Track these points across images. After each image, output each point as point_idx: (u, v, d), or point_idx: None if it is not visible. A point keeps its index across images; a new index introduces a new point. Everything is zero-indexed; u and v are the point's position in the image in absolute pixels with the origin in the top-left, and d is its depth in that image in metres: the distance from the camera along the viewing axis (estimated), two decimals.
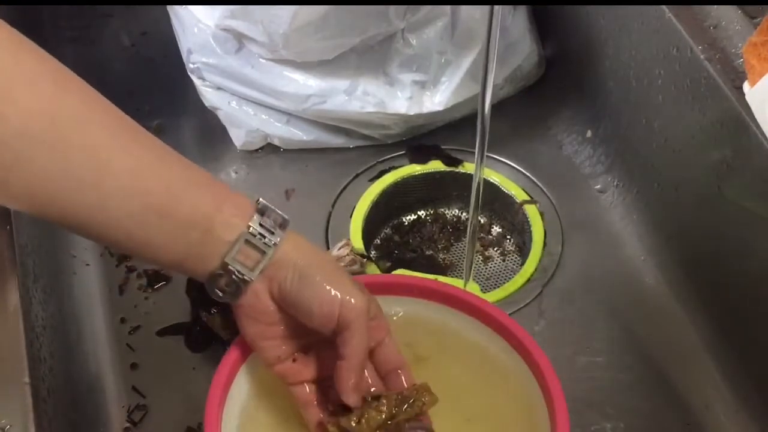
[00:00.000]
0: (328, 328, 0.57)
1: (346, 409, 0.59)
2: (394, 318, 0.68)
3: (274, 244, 0.57)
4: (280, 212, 0.58)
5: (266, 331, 0.59)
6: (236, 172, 0.94)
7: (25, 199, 0.52)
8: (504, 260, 0.91)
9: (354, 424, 0.58)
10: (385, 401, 0.60)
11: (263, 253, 0.56)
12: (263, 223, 0.57)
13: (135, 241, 0.55)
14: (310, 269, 0.57)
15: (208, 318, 0.76)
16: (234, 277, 0.56)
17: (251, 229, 0.56)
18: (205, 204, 0.56)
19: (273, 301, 0.58)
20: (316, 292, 0.57)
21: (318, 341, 0.61)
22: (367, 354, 0.59)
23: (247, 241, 0.56)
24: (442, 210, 0.95)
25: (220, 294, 0.57)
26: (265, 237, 0.56)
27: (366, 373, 0.61)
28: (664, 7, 0.79)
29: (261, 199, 0.58)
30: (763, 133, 0.68)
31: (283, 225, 0.57)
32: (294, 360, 0.61)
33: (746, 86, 0.70)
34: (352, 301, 0.57)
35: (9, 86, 0.49)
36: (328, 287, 0.57)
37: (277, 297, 0.58)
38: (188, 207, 0.55)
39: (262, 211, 0.57)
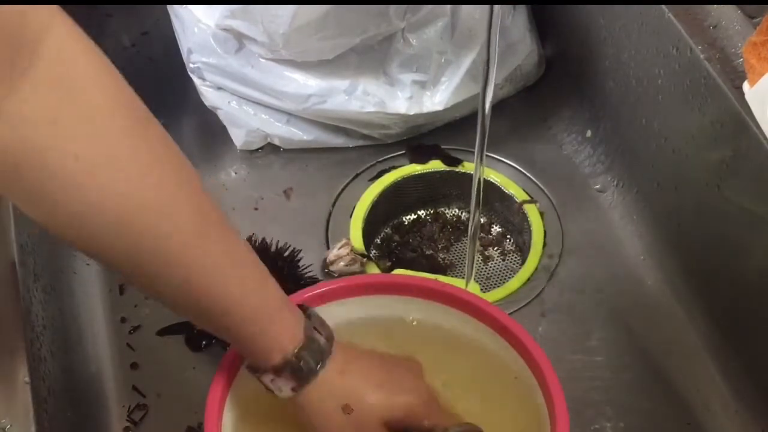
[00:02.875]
0: None
1: None
2: (413, 322, 0.68)
3: (315, 373, 0.58)
4: (325, 334, 0.59)
5: None
6: (236, 172, 0.94)
7: (99, 260, 0.53)
8: (504, 260, 0.91)
9: None
10: None
11: (306, 380, 0.58)
12: (310, 353, 0.58)
13: (201, 325, 0.58)
14: (345, 399, 0.59)
15: None
16: (278, 396, 0.59)
17: (298, 357, 0.57)
18: (259, 317, 0.56)
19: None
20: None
21: None
22: None
23: (291, 368, 0.58)
24: (442, 210, 0.95)
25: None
26: (310, 362, 0.58)
27: None
28: (664, 7, 0.79)
29: (310, 312, 0.60)
30: (763, 133, 0.68)
31: (325, 350, 0.59)
32: None
33: (746, 86, 0.70)
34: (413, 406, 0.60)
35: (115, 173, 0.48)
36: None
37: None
38: (241, 314, 0.56)
39: (309, 336, 0.58)
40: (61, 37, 0.46)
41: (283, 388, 0.58)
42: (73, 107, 0.46)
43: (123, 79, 0.49)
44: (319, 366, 0.58)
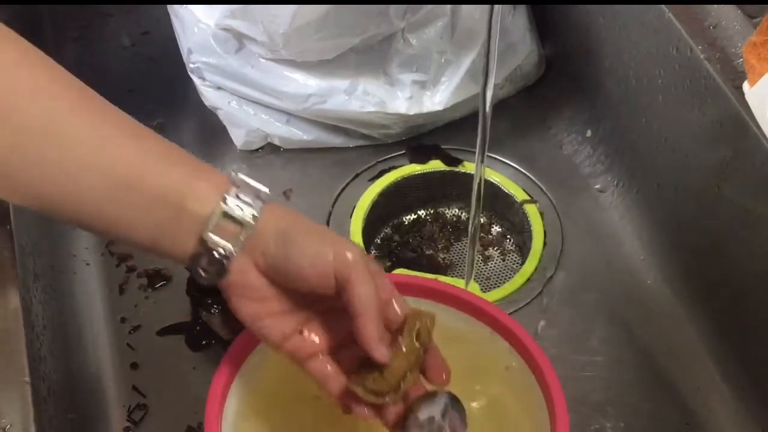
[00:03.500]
0: (328, 287, 0.54)
1: (367, 369, 0.56)
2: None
3: (253, 215, 0.54)
4: (256, 184, 0.55)
5: (263, 309, 0.56)
6: (236, 172, 0.94)
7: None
8: (504, 260, 0.91)
9: (381, 379, 0.55)
10: (403, 345, 0.56)
11: (242, 225, 0.53)
12: (240, 195, 0.54)
13: (105, 218, 0.52)
14: (294, 230, 0.54)
15: (208, 318, 0.76)
16: (215, 254, 0.53)
17: (227, 201, 0.53)
18: (175, 178, 0.53)
19: (261, 274, 0.55)
20: (304, 251, 0.53)
21: (323, 310, 0.58)
22: (381, 303, 0.55)
23: (225, 214, 0.53)
24: (442, 210, 0.95)
25: (204, 275, 0.54)
26: (243, 209, 0.53)
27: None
28: (663, 6, 0.79)
29: (236, 173, 0.55)
30: (763, 133, 0.68)
31: (260, 196, 0.55)
32: (301, 333, 0.57)
33: (746, 86, 0.70)
34: (347, 253, 0.53)
35: None
36: (316, 243, 0.54)
37: (264, 269, 0.54)
38: (157, 181, 0.52)
39: (237, 184, 0.54)
40: None
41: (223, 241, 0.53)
42: None
43: None
44: (256, 209, 0.54)
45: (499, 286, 0.86)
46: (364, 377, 0.56)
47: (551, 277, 0.86)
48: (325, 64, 0.88)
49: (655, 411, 0.77)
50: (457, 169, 0.94)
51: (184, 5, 0.89)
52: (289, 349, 0.57)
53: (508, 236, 0.93)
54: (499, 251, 0.92)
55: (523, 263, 0.88)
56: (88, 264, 0.85)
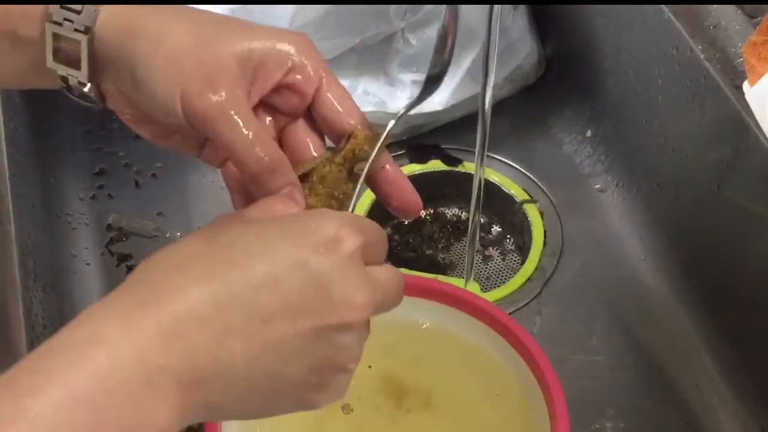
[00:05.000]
0: (193, 132, 0.45)
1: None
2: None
3: (86, 27, 0.43)
4: None
5: (160, 128, 0.48)
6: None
7: None
8: (504, 260, 0.91)
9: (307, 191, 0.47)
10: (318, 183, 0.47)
11: (78, 43, 0.43)
12: (66, 5, 0.43)
13: None
14: (138, 61, 0.42)
15: None
16: (73, 87, 0.45)
17: (54, 16, 0.43)
18: None
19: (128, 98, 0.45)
20: (151, 95, 0.43)
21: None
22: (264, 147, 0.44)
23: (56, 35, 0.43)
24: (442, 209, 0.95)
25: (85, 104, 0.46)
26: (72, 21, 0.43)
27: (301, 137, 0.48)
28: (663, 6, 0.79)
29: None
30: (763, 133, 0.68)
31: None
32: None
33: (746, 86, 0.70)
34: (196, 96, 0.42)
35: None
36: (161, 82, 0.42)
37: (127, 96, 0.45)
38: None
39: None
40: None
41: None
42: None
43: None
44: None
45: (499, 286, 0.86)
46: None
47: (551, 277, 0.86)
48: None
49: (655, 411, 0.77)
50: (457, 169, 0.94)
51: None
52: (206, 159, 0.50)
53: (508, 236, 0.93)
54: (499, 251, 0.92)
55: (523, 263, 0.88)
56: (88, 264, 0.85)
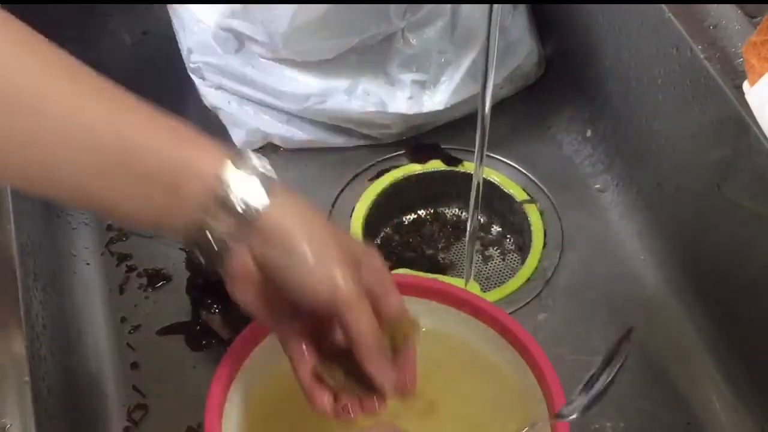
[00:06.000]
0: (323, 310, 0.51)
1: (335, 360, 0.55)
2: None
3: (256, 209, 0.49)
4: (259, 160, 0.52)
5: (259, 299, 0.53)
6: (240, 148, 0.94)
7: None
8: (504, 259, 0.91)
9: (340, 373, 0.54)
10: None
11: (243, 214, 0.49)
12: (242, 178, 0.49)
13: (100, 200, 0.49)
14: (297, 237, 0.50)
15: (208, 317, 0.76)
16: (213, 246, 0.50)
17: (229, 185, 0.49)
18: (166, 153, 0.49)
19: (259, 268, 0.51)
20: (304, 278, 0.50)
21: None
22: (377, 330, 0.52)
23: (224, 202, 0.49)
24: (442, 209, 0.95)
25: (202, 261, 0.51)
26: (245, 194, 0.49)
27: None
28: (663, 6, 0.79)
29: (240, 148, 0.51)
30: (763, 133, 0.68)
31: (266, 177, 0.51)
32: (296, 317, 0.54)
33: (746, 86, 0.70)
34: (341, 285, 0.50)
35: None
36: (316, 264, 0.49)
37: (261, 266, 0.51)
38: (146, 155, 0.48)
39: (239, 163, 0.50)
40: None
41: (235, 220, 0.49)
42: None
43: None
44: (268, 171, 0.51)
45: (499, 286, 0.86)
46: (330, 366, 0.55)
47: (551, 277, 0.86)
48: (325, 64, 0.88)
49: (655, 411, 0.77)
50: (457, 169, 0.94)
51: (184, 5, 0.89)
52: (278, 333, 0.55)
53: (508, 236, 0.93)
54: (499, 251, 0.92)
55: (523, 263, 0.88)
56: (88, 264, 0.85)
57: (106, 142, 0.48)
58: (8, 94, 0.46)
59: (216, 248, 0.50)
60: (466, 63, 0.91)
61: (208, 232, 0.49)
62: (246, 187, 0.50)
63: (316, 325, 0.55)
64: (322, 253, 0.50)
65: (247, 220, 0.49)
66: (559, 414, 0.58)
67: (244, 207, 0.49)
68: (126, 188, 0.48)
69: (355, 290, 0.51)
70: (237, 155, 0.51)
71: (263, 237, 0.50)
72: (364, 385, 0.54)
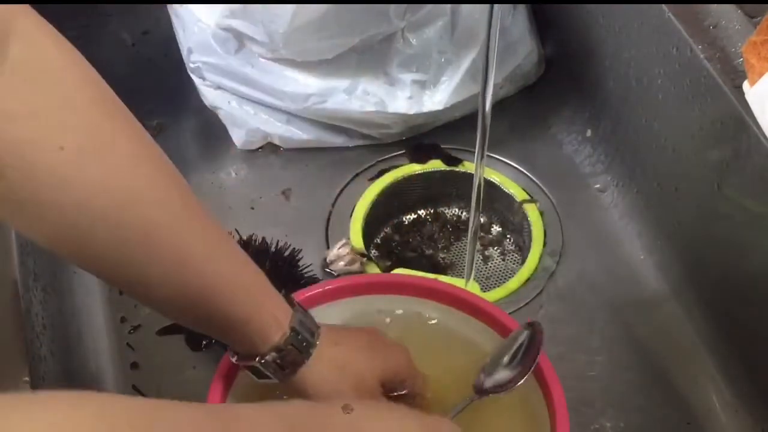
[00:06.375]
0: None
1: None
2: (388, 320, 0.68)
3: (312, 345, 0.58)
4: (310, 315, 0.60)
5: None
6: (236, 172, 0.94)
7: (89, 266, 0.52)
8: (504, 259, 0.91)
9: None
10: None
11: (302, 354, 0.58)
12: (301, 330, 0.58)
13: (184, 320, 0.57)
14: (345, 361, 0.60)
15: None
16: (280, 370, 0.58)
17: (292, 334, 0.57)
18: (247, 305, 0.56)
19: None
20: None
21: None
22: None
23: (292, 344, 0.57)
24: (442, 209, 0.95)
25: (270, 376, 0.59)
26: (304, 339, 0.58)
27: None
28: (663, 6, 0.79)
29: (299, 305, 0.60)
30: (763, 133, 0.68)
31: (315, 326, 0.60)
32: None
33: (746, 85, 0.70)
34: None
35: (82, 154, 0.47)
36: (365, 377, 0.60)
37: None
38: (230, 305, 0.55)
39: (299, 318, 0.58)
40: (29, 29, 0.45)
41: (281, 368, 0.58)
42: (50, 98, 0.45)
43: (92, 68, 0.49)
44: (315, 337, 0.59)
45: (499, 286, 0.86)
46: None
47: (551, 277, 0.86)
48: (325, 64, 0.88)
49: (655, 411, 0.77)
50: (457, 169, 0.94)
51: (184, 5, 0.89)
52: None
53: (508, 236, 0.93)
54: (499, 251, 0.92)
55: (523, 263, 0.88)
56: None
57: (196, 281, 0.53)
58: (124, 220, 0.49)
59: (283, 371, 0.58)
60: (466, 63, 0.91)
61: (265, 372, 0.58)
62: (305, 333, 0.58)
63: None
64: (367, 359, 0.61)
65: (304, 356, 0.58)
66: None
67: (305, 345, 0.58)
68: (206, 322, 0.57)
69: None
70: (296, 310, 0.59)
71: (316, 366, 0.59)
72: None
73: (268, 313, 0.57)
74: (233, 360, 0.59)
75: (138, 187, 0.49)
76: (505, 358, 0.64)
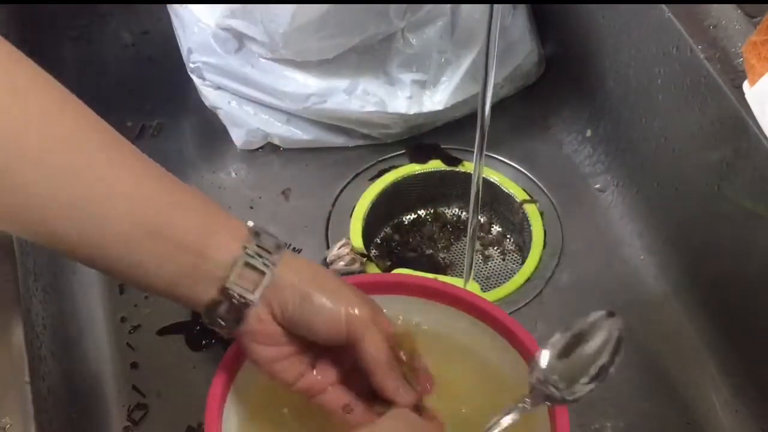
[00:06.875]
0: (340, 342, 0.57)
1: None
2: (397, 320, 0.68)
3: (273, 263, 0.55)
4: (273, 234, 0.57)
5: (277, 353, 0.58)
6: (236, 172, 0.94)
7: (9, 218, 0.51)
8: (504, 259, 0.91)
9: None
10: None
11: (262, 273, 0.55)
12: (260, 244, 0.55)
13: (125, 263, 0.53)
14: (310, 289, 0.56)
15: None
16: (234, 301, 0.55)
17: (248, 250, 0.55)
18: (197, 226, 0.54)
19: (277, 323, 0.57)
20: (320, 313, 0.56)
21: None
22: (389, 351, 0.58)
23: (246, 263, 0.54)
24: (442, 209, 0.95)
25: (222, 323, 0.55)
26: (262, 257, 0.55)
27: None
28: (663, 6, 0.79)
29: (253, 223, 0.57)
30: (763, 133, 0.68)
31: (279, 246, 0.56)
32: (313, 369, 0.59)
33: (746, 85, 0.70)
34: (357, 312, 0.56)
35: None
36: (330, 306, 0.56)
37: (280, 320, 0.56)
38: (180, 229, 0.53)
39: (257, 233, 0.56)
40: None
41: (249, 285, 0.54)
42: None
43: None
44: (279, 248, 0.56)
45: (499, 286, 0.86)
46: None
47: (551, 277, 0.86)
48: (325, 64, 0.88)
49: (655, 411, 0.77)
50: (457, 169, 0.94)
51: (184, 5, 0.89)
52: (302, 388, 0.59)
53: (508, 236, 0.93)
54: (499, 251, 0.92)
55: (523, 263, 0.88)
56: None
57: (145, 214, 0.52)
58: (47, 161, 0.49)
59: (237, 305, 0.54)
60: (466, 63, 0.91)
61: (231, 292, 0.54)
62: (264, 249, 0.55)
63: (342, 370, 0.60)
64: (335, 294, 0.57)
65: (266, 274, 0.55)
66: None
67: (264, 264, 0.55)
68: (155, 256, 0.53)
69: (368, 317, 0.57)
70: (252, 226, 0.57)
71: (279, 287, 0.55)
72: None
73: (222, 231, 0.55)
74: (206, 322, 0.56)
75: (66, 129, 0.50)
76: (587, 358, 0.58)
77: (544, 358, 0.58)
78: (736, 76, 0.72)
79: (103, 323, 0.81)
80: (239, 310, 0.55)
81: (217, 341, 0.79)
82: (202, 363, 0.78)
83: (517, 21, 0.95)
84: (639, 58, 0.84)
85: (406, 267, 0.88)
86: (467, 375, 0.67)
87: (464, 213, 0.95)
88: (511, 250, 0.92)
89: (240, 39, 0.88)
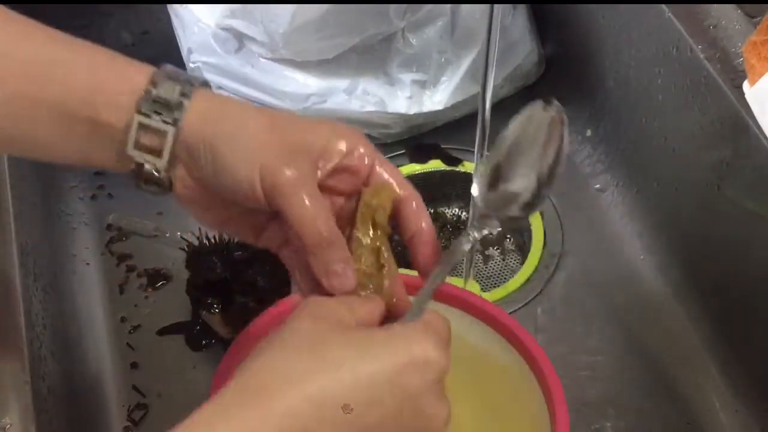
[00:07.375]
0: (264, 209, 0.47)
1: None
2: None
3: (176, 118, 0.46)
4: (183, 74, 0.47)
5: (225, 214, 0.50)
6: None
7: None
8: (504, 259, 0.91)
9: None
10: (362, 239, 0.50)
11: (164, 134, 0.46)
12: (160, 96, 0.46)
13: (18, 138, 0.47)
14: (219, 139, 0.46)
15: (208, 317, 0.76)
16: (145, 170, 0.47)
17: (143, 108, 0.46)
18: (79, 82, 0.46)
19: (201, 186, 0.48)
20: (230, 172, 0.46)
21: None
22: (326, 223, 0.47)
23: (141, 124, 0.46)
24: (442, 209, 0.95)
25: (150, 191, 0.48)
26: (161, 113, 0.45)
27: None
28: (663, 6, 0.79)
29: (158, 67, 0.48)
30: (763, 133, 0.68)
31: (185, 92, 0.46)
32: (273, 219, 0.50)
33: (746, 85, 0.70)
34: (279, 169, 0.45)
35: None
36: (241, 160, 0.46)
37: (201, 182, 0.48)
38: (57, 88, 0.45)
39: (155, 82, 0.47)
40: None
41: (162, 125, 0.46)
42: None
43: None
44: (185, 95, 0.47)
45: (499, 286, 0.86)
46: None
47: (551, 277, 0.86)
48: (325, 64, 0.88)
49: (655, 411, 0.77)
50: (457, 169, 0.94)
51: (184, 5, 0.89)
52: (264, 244, 0.51)
53: (508, 236, 0.93)
54: (499, 251, 0.92)
55: (523, 263, 0.88)
56: (88, 264, 0.85)
57: (17, 68, 0.46)
58: None
59: (150, 173, 0.47)
60: (466, 63, 0.91)
61: (136, 159, 0.47)
62: (162, 102, 0.46)
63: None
64: (247, 146, 0.46)
65: (167, 135, 0.46)
66: None
67: (164, 122, 0.46)
68: (42, 124, 0.46)
69: (292, 180, 0.46)
70: (153, 73, 0.48)
71: (189, 146, 0.47)
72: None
73: (113, 86, 0.47)
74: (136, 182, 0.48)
75: None
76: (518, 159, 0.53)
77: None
78: (736, 76, 0.72)
79: (103, 323, 0.81)
80: (155, 177, 0.47)
81: (217, 341, 0.79)
82: (202, 363, 0.78)
83: (517, 21, 0.95)
84: (639, 58, 0.84)
85: (406, 267, 0.87)
86: (467, 374, 0.67)
87: (464, 213, 0.95)
88: (511, 250, 0.92)
89: (240, 39, 0.88)
